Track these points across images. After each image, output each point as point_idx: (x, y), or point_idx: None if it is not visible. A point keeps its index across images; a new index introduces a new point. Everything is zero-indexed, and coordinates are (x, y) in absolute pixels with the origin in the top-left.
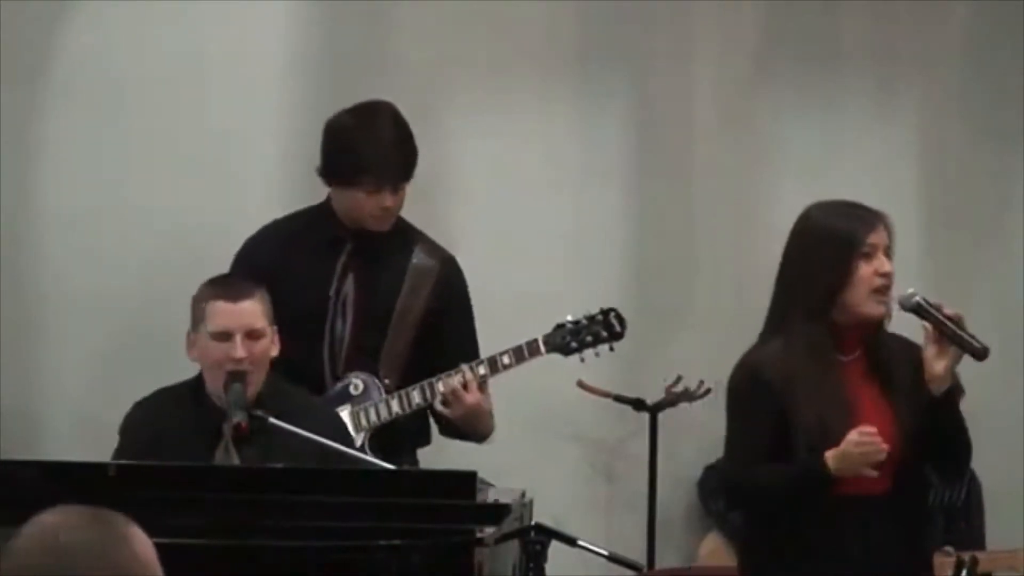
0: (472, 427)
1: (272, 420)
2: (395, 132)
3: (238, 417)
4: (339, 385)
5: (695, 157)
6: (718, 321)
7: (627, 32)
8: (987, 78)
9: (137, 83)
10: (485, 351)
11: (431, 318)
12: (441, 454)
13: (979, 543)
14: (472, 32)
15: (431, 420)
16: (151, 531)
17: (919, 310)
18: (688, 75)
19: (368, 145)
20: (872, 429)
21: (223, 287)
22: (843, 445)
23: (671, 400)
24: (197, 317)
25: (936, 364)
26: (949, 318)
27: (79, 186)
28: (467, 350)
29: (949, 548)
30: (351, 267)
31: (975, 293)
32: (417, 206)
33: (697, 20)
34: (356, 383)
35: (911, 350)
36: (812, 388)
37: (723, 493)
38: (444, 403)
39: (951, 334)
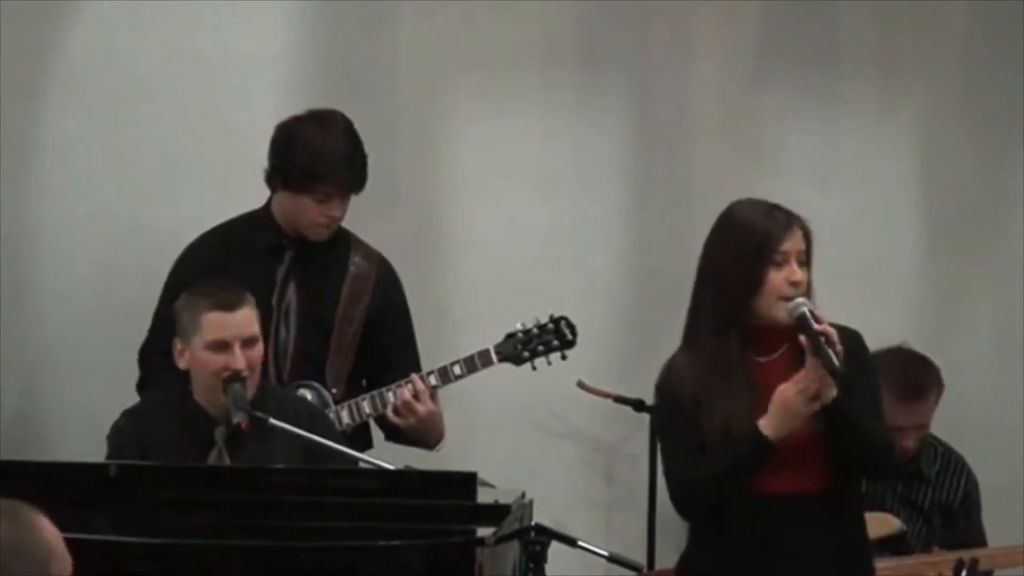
0: (423, 436)
1: (272, 421)
2: (350, 143)
3: (238, 417)
4: None
5: (695, 157)
6: None
7: (627, 32)
8: (987, 78)
9: (136, 85)
10: (422, 358)
11: (371, 324)
12: (441, 455)
13: (980, 541)
14: (472, 32)
15: (371, 425)
16: (151, 531)
17: (800, 322)
18: (688, 75)
19: (325, 153)
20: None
21: (216, 296)
22: (773, 401)
23: None
24: (188, 327)
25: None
26: (820, 333)
27: (79, 189)
28: (407, 356)
29: (935, 548)
30: (293, 275)
31: (975, 292)
32: (415, 205)
33: (697, 20)
34: (304, 393)
35: (842, 340)
36: (717, 397)
37: (673, 503)
38: (396, 413)
39: (817, 347)
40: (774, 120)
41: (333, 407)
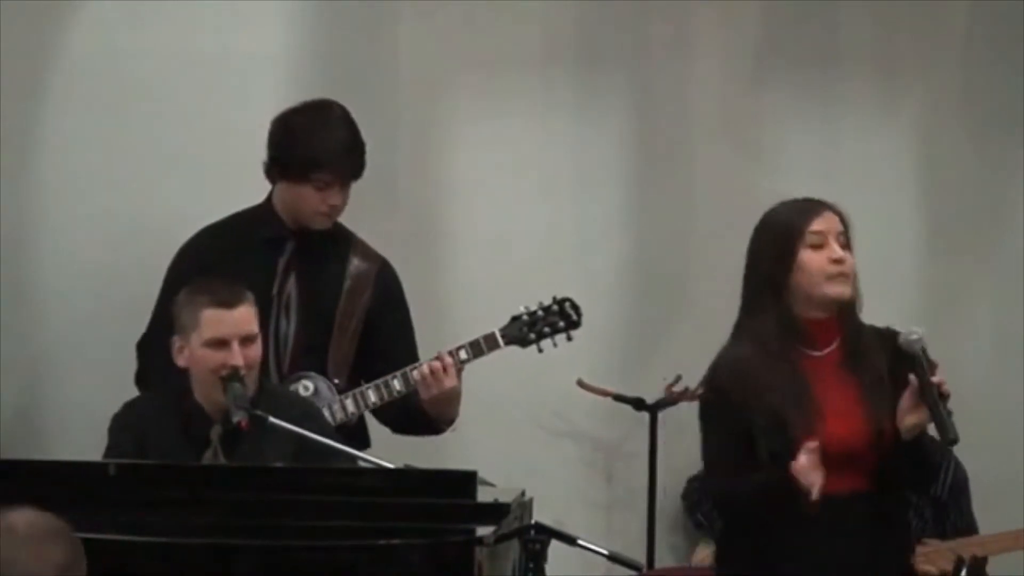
0: (442, 409)
1: (272, 420)
2: (347, 130)
3: (238, 416)
4: (290, 387)
5: (695, 157)
6: (718, 321)
7: (627, 32)
8: (987, 78)
9: (136, 85)
10: (420, 357)
11: (371, 322)
12: (443, 454)
13: (971, 530)
14: (472, 32)
15: (367, 424)
16: (151, 531)
17: (914, 361)
18: (688, 75)
19: (322, 142)
20: (813, 445)
21: (215, 294)
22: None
23: (671, 400)
24: (187, 324)
25: (908, 417)
26: (938, 387)
27: (79, 189)
28: (406, 354)
29: (933, 541)
30: (293, 266)
31: (974, 290)
32: (415, 205)
33: (697, 20)
34: (307, 384)
35: (886, 339)
36: (769, 391)
37: (711, 502)
38: (423, 381)
39: (931, 403)
40: (774, 120)
41: (337, 396)
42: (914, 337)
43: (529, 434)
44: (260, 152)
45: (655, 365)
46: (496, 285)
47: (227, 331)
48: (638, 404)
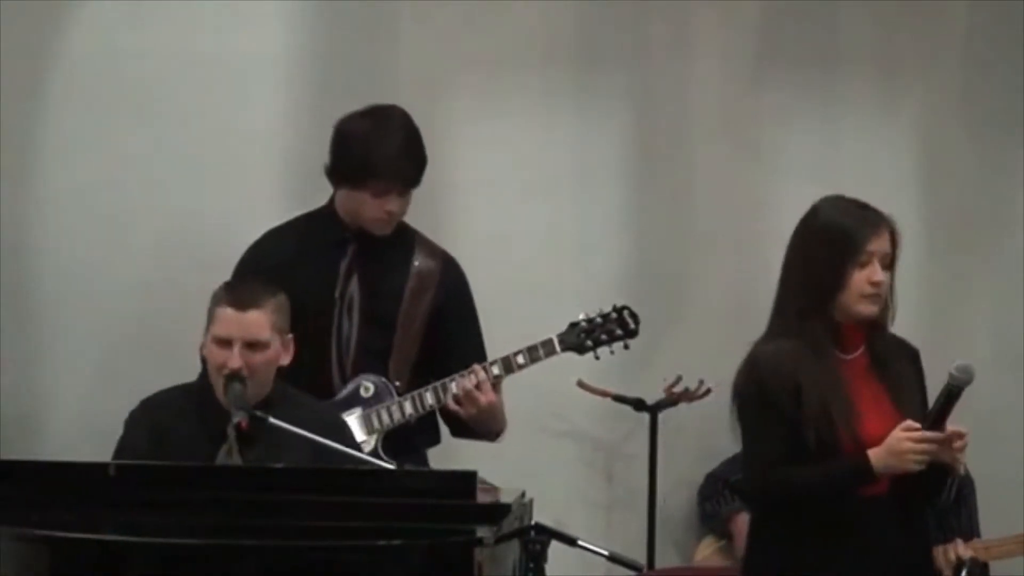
0: (485, 426)
1: (272, 420)
2: (406, 137)
3: (238, 416)
4: (349, 388)
5: (695, 157)
6: (718, 321)
7: (627, 32)
8: (987, 78)
9: (136, 85)
10: (487, 353)
11: (436, 320)
12: (443, 454)
13: (973, 536)
14: (472, 32)
15: (439, 420)
16: (151, 531)
17: (955, 392)
18: (688, 75)
19: (378, 148)
20: (915, 424)
21: (234, 293)
22: (890, 440)
23: (671, 400)
24: (209, 319)
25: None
26: (941, 431)
27: (79, 189)
28: (473, 349)
29: (959, 540)
30: (355, 268)
31: (975, 291)
32: (416, 205)
33: (697, 20)
34: (367, 385)
35: (908, 349)
36: (813, 383)
37: (752, 494)
38: (457, 403)
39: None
40: (774, 120)
41: (396, 398)
42: (964, 372)
43: (529, 435)
44: (260, 153)
45: (655, 365)
46: (496, 285)
47: (232, 332)
48: (638, 405)
